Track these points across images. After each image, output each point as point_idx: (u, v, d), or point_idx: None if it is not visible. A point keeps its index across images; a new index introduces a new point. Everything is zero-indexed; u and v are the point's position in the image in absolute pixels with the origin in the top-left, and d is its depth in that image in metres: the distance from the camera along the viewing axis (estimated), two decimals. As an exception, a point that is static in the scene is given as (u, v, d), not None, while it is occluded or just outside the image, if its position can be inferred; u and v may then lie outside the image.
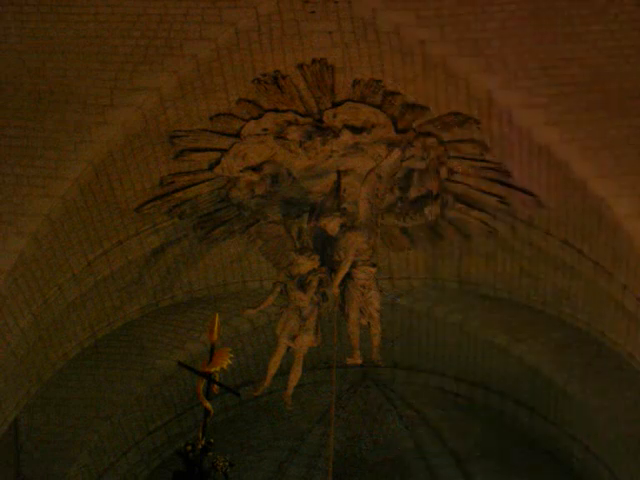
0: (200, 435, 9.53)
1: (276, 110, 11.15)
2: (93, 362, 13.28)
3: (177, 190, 11.57)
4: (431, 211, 11.66)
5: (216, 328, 10.19)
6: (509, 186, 11.20)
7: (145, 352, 13.38)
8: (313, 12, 10.47)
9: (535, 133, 10.29)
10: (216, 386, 9.96)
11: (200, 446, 9.39)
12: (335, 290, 11.28)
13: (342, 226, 11.42)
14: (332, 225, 11.39)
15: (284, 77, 10.85)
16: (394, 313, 13.53)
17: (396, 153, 11.29)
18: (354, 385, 15.23)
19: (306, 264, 11.34)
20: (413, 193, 11.67)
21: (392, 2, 10.39)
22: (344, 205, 11.56)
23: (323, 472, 15.00)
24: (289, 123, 11.24)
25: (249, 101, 11.06)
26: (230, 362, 10.07)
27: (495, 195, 11.40)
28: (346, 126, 11.21)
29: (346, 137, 11.24)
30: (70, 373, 13.08)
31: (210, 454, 9.44)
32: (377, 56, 10.64)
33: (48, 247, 10.50)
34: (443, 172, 11.49)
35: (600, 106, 10.18)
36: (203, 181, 11.65)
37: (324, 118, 11.21)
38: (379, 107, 11.06)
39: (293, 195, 11.82)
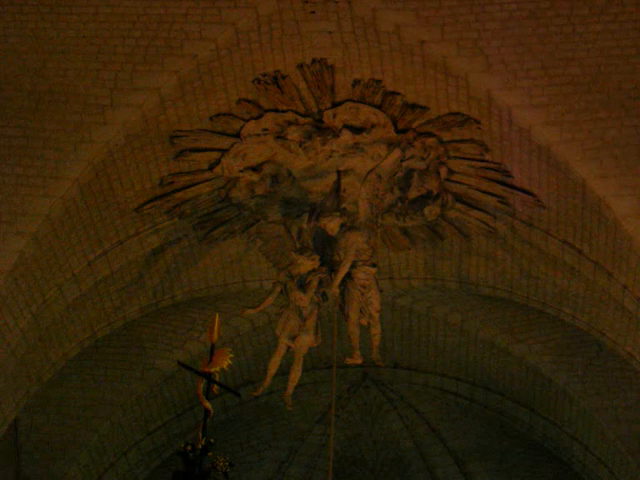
0: (200, 435, 9.54)
1: (276, 110, 11.15)
2: (93, 362, 13.28)
3: (177, 190, 11.57)
4: (431, 211, 11.66)
5: (216, 328, 10.21)
6: (509, 186, 11.21)
7: (145, 352, 13.37)
8: (313, 12, 10.47)
9: (535, 133, 10.29)
10: (216, 386, 9.97)
11: (200, 446, 9.40)
12: (335, 290, 11.28)
13: (342, 226, 11.42)
14: (332, 225, 11.38)
15: (284, 77, 10.85)
16: (394, 313, 13.54)
17: (396, 153, 11.29)
18: (354, 385, 15.22)
19: (306, 264, 11.33)
20: (413, 193, 11.67)
21: (392, 2, 10.38)
22: (344, 205, 11.56)
23: (323, 472, 15.01)
24: (289, 123, 11.23)
25: (249, 101, 11.06)
26: (230, 362, 10.09)
27: (495, 195, 11.41)
28: (346, 126, 11.21)
29: (346, 137, 11.23)
30: (70, 373, 13.09)
31: (210, 454, 9.45)
32: (377, 56, 10.63)
33: (48, 247, 10.49)
34: (443, 172, 11.49)
35: (600, 106, 10.19)
36: (203, 181, 11.65)
37: (324, 118, 11.20)
38: (379, 107, 11.06)
39: (293, 195, 11.82)
